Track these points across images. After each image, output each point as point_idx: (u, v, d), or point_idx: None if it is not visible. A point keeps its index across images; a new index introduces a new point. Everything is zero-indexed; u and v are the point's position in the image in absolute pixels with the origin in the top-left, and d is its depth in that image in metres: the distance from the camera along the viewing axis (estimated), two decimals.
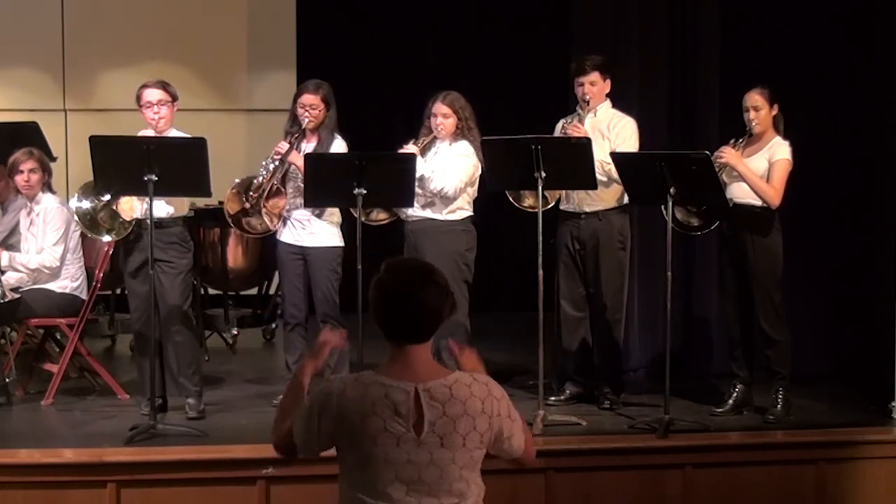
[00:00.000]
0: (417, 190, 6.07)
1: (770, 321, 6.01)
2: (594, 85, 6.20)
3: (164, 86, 5.97)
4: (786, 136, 6.01)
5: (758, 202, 5.94)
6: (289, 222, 6.23)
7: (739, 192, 5.97)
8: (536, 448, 3.17)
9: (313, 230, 6.20)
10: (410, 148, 6.15)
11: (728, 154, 5.93)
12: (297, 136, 6.19)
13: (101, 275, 6.62)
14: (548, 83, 8.78)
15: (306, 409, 2.98)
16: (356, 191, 5.78)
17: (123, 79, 8.48)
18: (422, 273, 2.97)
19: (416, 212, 6.23)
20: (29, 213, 6.58)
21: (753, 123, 5.97)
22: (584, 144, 5.88)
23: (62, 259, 6.48)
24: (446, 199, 6.19)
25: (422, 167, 6.11)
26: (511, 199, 6.24)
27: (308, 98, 6.17)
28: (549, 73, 8.77)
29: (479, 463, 3.00)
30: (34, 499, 5.19)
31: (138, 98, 5.97)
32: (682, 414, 5.89)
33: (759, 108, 5.96)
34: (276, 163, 6.16)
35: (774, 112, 6.01)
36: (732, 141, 6.00)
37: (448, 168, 6.18)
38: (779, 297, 6.02)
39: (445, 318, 2.98)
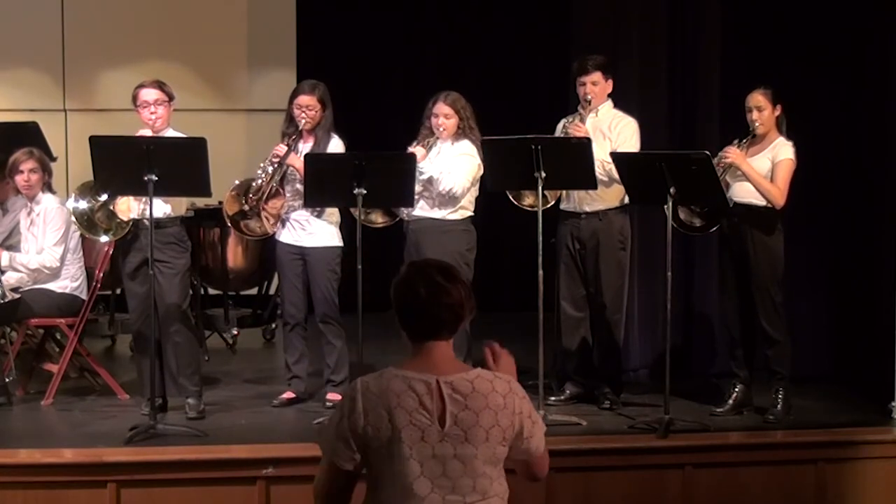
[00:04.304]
0: (424, 192, 6.08)
1: (770, 321, 6.00)
2: (596, 85, 6.19)
3: (160, 85, 5.96)
4: (788, 137, 6.01)
5: (760, 202, 5.94)
6: (287, 223, 6.22)
7: (742, 192, 5.97)
8: None
9: (312, 230, 6.19)
10: (417, 152, 6.12)
11: (733, 154, 5.93)
12: (294, 137, 6.18)
13: (101, 275, 6.62)
14: (548, 83, 8.78)
15: (335, 419, 2.94)
16: (356, 191, 5.78)
17: (123, 79, 8.46)
18: (447, 271, 3.00)
19: (417, 211, 6.22)
20: (29, 213, 6.58)
21: (757, 124, 5.96)
22: (585, 144, 5.88)
23: (62, 259, 6.48)
24: (454, 200, 6.17)
25: (430, 168, 6.09)
26: (511, 197, 6.23)
27: (304, 99, 6.16)
28: (549, 73, 8.77)
29: (502, 462, 2.99)
30: (34, 499, 5.19)
31: (134, 98, 5.96)
32: (682, 414, 5.87)
33: (762, 108, 5.95)
34: (275, 166, 6.16)
35: (777, 112, 6.00)
36: (736, 141, 6.00)
37: (454, 168, 6.16)
38: (780, 296, 6.01)
39: (468, 316, 3.00)
